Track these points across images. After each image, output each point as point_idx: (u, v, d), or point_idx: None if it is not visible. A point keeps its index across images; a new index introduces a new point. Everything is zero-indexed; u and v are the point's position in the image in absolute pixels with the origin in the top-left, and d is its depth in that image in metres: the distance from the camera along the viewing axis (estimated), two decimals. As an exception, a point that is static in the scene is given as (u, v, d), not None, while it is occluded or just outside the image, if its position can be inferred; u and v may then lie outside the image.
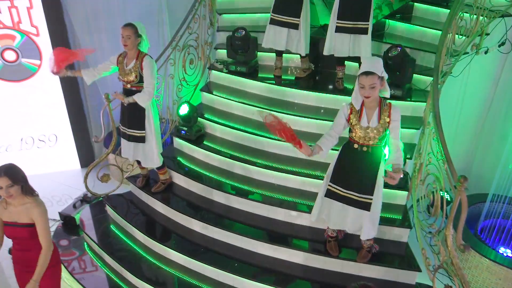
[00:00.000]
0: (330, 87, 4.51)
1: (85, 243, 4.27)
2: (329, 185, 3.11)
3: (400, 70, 4.07)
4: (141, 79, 3.67)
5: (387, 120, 2.85)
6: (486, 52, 4.37)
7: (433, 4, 4.90)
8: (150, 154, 3.97)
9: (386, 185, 3.58)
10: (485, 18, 4.13)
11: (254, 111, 4.28)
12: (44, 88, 5.23)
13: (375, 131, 2.87)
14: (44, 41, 5.03)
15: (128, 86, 3.72)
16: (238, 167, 4.19)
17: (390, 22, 5.06)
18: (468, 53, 4.32)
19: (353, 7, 3.98)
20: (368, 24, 4.03)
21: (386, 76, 2.84)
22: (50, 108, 5.37)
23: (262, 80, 4.64)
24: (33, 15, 4.86)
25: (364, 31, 4.07)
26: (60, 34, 5.03)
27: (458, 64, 4.27)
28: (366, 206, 3.03)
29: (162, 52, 4.34)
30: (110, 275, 3.92)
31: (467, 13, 4.03)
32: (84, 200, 4.63)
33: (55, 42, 5.00)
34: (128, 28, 3.55)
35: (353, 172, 3.04)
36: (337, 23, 4.06)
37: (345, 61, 4.39)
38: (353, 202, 3.06)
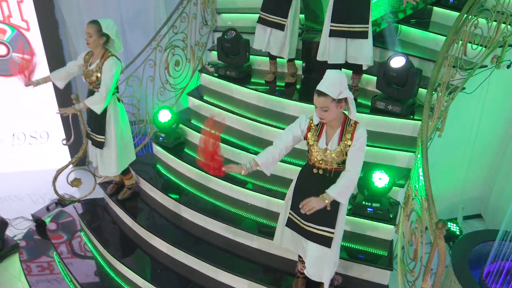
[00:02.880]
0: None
1: (54, 253, 4.06)
2: (289, 213, 2.67)
3: (403, 83, 3.55)
4: None
5: (349, 143, 2.36)
6: (508, 67, 3.74)
7: (455, 9, 4.29)
8: (108, 161, 3.68)
9: (371, 216, 3.14)
10: (509, 26, 3.53)
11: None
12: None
13: (333, 155, 2.39)
14: (34, 36, 4.90)
15: (91, 87, 3.46)
16: (214, 182, 3.82)
17: (402, 28, 4.52)
18: (486, 66, 3.72)
19: (349, 8, 3.50)
20: (368, 27, 3.54)
21: (349, 95, 2.32)
22: (41, 104, 5.25)
23: (252, 86, 4.25)
24: (23, 9, 4.74)
25: (363, 35, 3.58)
26: (50, 29, 4.87)
27: (473, 79, 3.68)
28: (326, 241, 2.53)
29: (140, 52, 4.04)
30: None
31: (485, 19, 3.45)
32: (58, 203, 4.44)
33: (46, 37, 4.86)
34: (90, 25, 3.28)
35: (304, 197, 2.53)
36: (330, 26, 3.60)
37: (343, 69, 3.92)
38: (310, 235, 2.57)
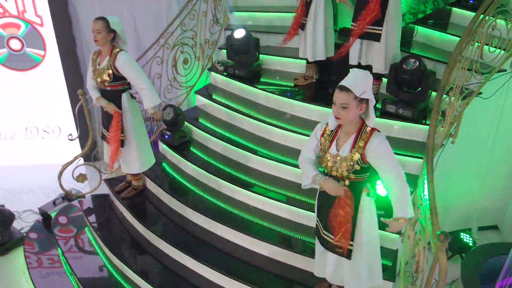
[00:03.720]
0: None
1: (58, 247, 4.07)
2: (316, 220, 2.58)
3: (416, 86, 3.40)
4: (115, 78, 3.35)
5: (361, 151, 2.19)
6: (529, 71, 3.54)
7: (475, 11, 4.09)
8: (129, 159, 3.67)
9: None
10: (531, 28, 3.33)
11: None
12: (48, 80, 5.16)
13: (343, 162, 2.24)
14: (48, 31, 4.95)
15: (102, 85, 3.42)
16: (220, 184, 3.74)
17: (418, 28, 4.36)
18: (505, 70, 3.54)
19: (367, 8, 3.37)
20: (381, 29, 3.41)
21: (372, 98, 2.17)
22: (54, 99, 5.30)
23: (261, 86, 4.16)
24: (37, 5, 4.79)
25: (375, 37, 3.45)
26: (63, 25, 4.90)
27: (491, 84, 3.49)
28: (346, 253, 2.41)
29: (147, 49, 4.01)
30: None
31: (504, 20, 3.27)
32: (65, 197, 4.47)
33: (59, 32, 4.89)
34: (98, 22, 3.25)
35: (327, 210, 2.42)
36: (351, 25, 3.50)
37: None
38: (330, 246, 2.47)
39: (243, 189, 3.55)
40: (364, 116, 2.25)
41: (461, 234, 4.08)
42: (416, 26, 4.37)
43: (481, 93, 3.50)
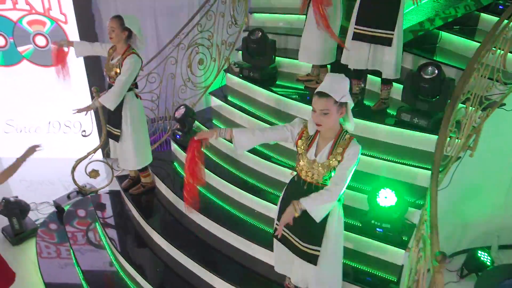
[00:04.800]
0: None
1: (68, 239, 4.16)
2: (276, 223, 2.51)
3: (434, 95, 3.24)
4: None
5: (338, 158, 2.15)
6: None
7: (505, 16, 3.89)
8: (126, 156, 3.73)
9: (380, 237, 2.89)
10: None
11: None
12: (71, 75, 5.28)
13: (320, 168, 2.20)
14: (71, 29, 5.07)
15: (110, 81, 3.50)
16: (227, 187, 3.70)
17: (443, 34, 4.17)
18: (531, 81, 3.32)
19: (374, 11, 3.26)
20: (393, 34, 3.27)
21: (350, 102, 2.14)
22: (75, 95, 5.42)
23: (276, 88, 4.10)
24: (62, 3, 4.92)
25: (386, 42, 3.32)
26: (86, 23, 5.02)
27: (514, 95, 3.29)
28: (312, 259, 2.36)
29: (161, 49, 4.03)
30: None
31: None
32: (79, 191, 4.56)
33: (82, 30, 5.01)
34: (113, 20, 3.32)
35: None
36: (354, 28, 3.38)
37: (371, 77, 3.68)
38: (297, 251, 2.42)
39: (252, 195, 3.49)
40: (343, 120, 2.19)
41: (479, 252, 3.88)
42: (440, 31, 4.20)
43: (504, 104, 3.30)
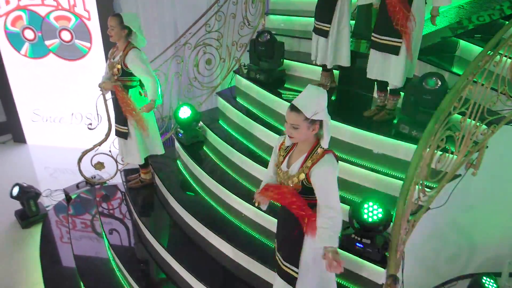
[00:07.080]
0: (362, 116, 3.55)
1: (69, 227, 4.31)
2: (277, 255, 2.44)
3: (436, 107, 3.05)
4: (124, 73, 3.51)
5: (306, 171, 2.05)
6: None
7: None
8: (131, 151, 3.84)
9: (359, 253, 2.77)
10: None
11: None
12: (92, 70, 5.51)
13: (289, 180, 2.12)
14: (94, 25, 5.28)
15: (115, 78, 3.59)
16: (221, 191, 3.67)
17: (462, 43, 3.94)
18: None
19: (386, 18, 3.10)
20: (400, 42, 3.12)
21: (326, 119, 2.01)
22: (97, 89, 5.64)
23: (283, 91, 4.05)
24: (86, 0, 5.12)
25: (393, 50, 3.17)
26: (108, 20, 5.20)
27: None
28: (290, 280, 2.28)
29: (167, 48, 4.09)
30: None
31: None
32: (88, 182, 4.73)
33: (104, 26, 5.18)
34: (112, 18, 3.42)
35: (280, 229, 2.34)
36: (372, 36, 3.27)
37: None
38: (278, 268, 2.36)
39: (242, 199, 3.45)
40: (319, 136, 2.08)
41: (483, 278, 3.59)
42: (459, 40, 3.96)
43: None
